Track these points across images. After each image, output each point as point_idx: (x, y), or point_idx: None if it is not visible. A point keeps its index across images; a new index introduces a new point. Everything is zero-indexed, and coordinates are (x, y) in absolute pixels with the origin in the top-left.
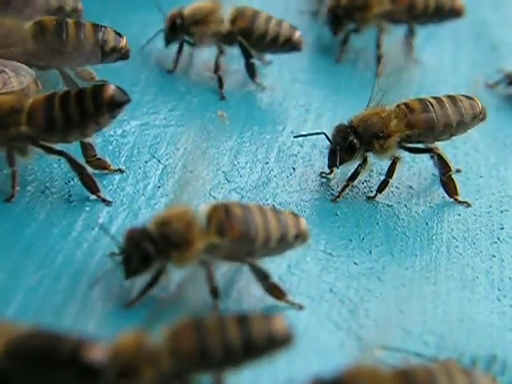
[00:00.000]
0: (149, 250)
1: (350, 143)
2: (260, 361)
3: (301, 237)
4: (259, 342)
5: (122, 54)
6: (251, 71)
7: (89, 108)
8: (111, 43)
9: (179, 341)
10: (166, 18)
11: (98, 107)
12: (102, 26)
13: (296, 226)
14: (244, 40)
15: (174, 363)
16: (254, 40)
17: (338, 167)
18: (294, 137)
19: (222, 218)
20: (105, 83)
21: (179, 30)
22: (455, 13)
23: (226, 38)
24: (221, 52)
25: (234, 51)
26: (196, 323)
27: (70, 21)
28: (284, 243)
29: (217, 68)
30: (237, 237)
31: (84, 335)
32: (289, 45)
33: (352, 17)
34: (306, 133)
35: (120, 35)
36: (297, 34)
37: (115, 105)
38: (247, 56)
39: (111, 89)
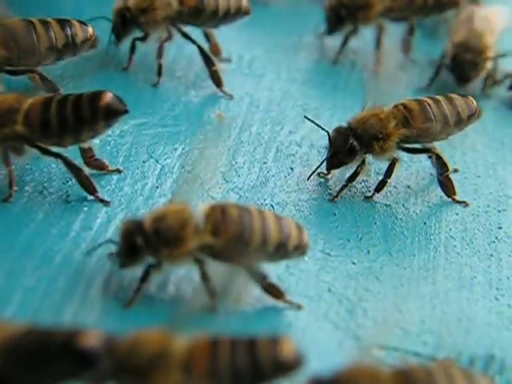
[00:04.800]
0: (138, 242)
1: (351, 146)
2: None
3: (300, 249)
4: (267, 367)
5: (92, 43)
6: (216, 79)
7: (84, 114)
8: (80, 35)
9: (193, 360)
10: (113, 13)
11: (94, 114)
12: (66, 20)
13: (298, 238)
14: (195, 19)
15: (185, 381)
16: (206, 17)
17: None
18: (304, 117)
19: (217, 217)
20: (103, 91)
21: (129, 23)
22: (454, 2)
23: (177, 20)
24: (170, 37)
25: (231, 50)
26: (211, 345)
27: (35, 20)
28: (282, 251)
29: (160, 54)
30: (230, 238)
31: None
32: (239, 13)
33: (355, 16)
34: (314, 120)
35: (85, 24)
36: (244, 1)
37: (111, 113)
38: (209, 64)
39: (109, 97)
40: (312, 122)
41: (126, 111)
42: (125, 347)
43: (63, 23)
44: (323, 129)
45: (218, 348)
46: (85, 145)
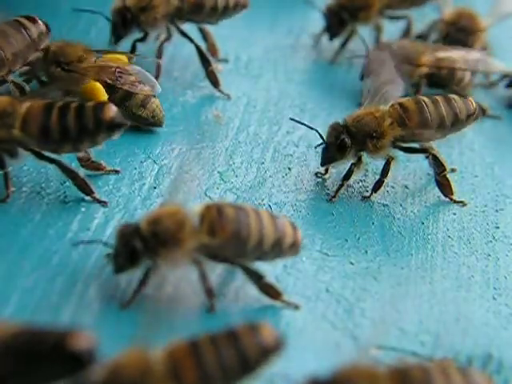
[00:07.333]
0: (137, 246)
1: (342, 142)
2: (257, 372)
3: (294, 248)
4: (253, 355)
5: (49, 34)
6: (213, 79)
7: (88, 125)
8: (37, 30)
9: (179, 367)
10: (112, 13)
11: (97, 126)
12: (16, 21)
13: (293, 236)
14: (195, 15)
15: None
16: (206, 13)
17: (330, 165)
18: (290, 118)
19: (213, 217)
20: (106, 102)
21: (129, 22)
22: None
23: (176, 18)
24: (169, 36)
25: (228, 50)
26: (192, 347)
27: None
28: (278, 249)
29: (160, 54)
30: (227, 237)
31: (73, 326)
32: (238, 7)
33: (356, 17)
34: (302, 121)
35: (33, 19)
36: None
37: (114, 126)
38: (206, 64)
39: (112, 110)
40: (298, 122)
41: (128, 124)
42: (104, 379)
43: (15, 25)
44: (311, 128)
45: (200, 349)
46: (80, 154)
